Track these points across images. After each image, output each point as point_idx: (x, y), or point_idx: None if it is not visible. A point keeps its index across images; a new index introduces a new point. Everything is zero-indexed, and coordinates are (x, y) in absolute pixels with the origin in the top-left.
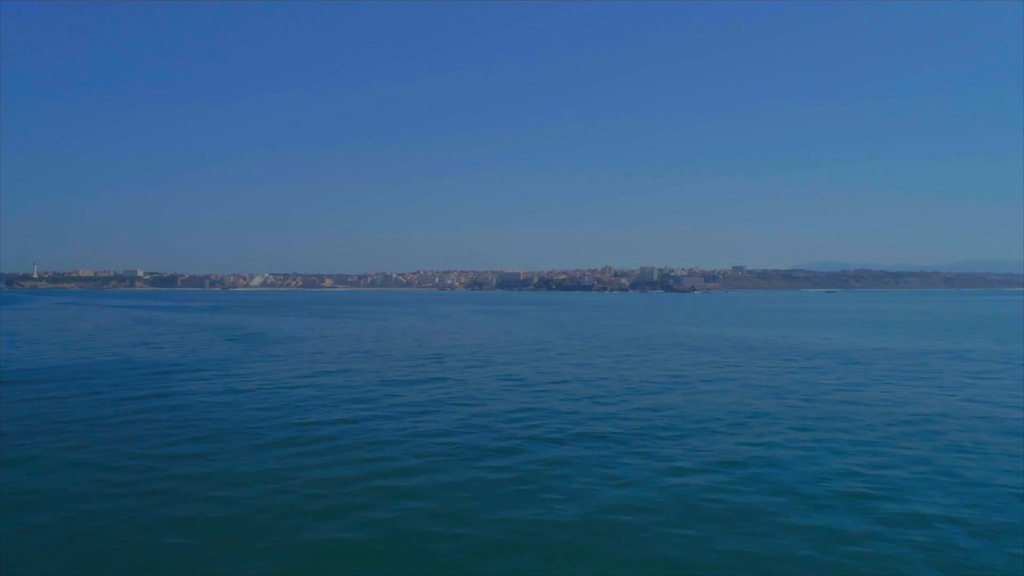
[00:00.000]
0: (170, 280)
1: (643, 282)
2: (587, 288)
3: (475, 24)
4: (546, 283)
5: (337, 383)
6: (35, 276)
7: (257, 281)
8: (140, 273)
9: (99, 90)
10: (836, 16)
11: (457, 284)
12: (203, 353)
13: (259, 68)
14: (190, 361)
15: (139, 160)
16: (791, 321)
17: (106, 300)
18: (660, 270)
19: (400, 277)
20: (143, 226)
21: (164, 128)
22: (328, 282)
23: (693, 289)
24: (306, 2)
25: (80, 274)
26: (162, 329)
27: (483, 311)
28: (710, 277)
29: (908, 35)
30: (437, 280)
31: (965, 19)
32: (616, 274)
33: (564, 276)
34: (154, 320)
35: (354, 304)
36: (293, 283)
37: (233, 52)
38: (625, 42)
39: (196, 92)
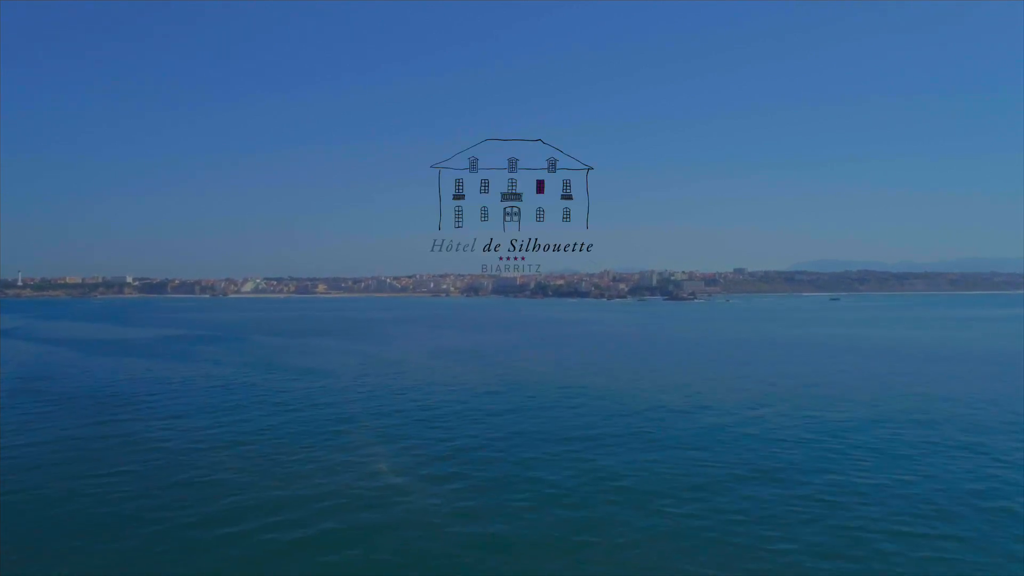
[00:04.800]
0: (160, 286)
1: (642, 287)
2: (584, 295)
3: (475, 24)
4: (543, 289)
5: None
6: (19, 284)
7: (249, 287)
8: (129, 279)
9: (92, 92)
10: (836, 16)
11: (453, 289)
12: None
13: (256, 70)
14: None
15: (132, 163)
16: (812, 380)
17: (68, 320)
18: (659, 274)
19: (395, 282)
20: (135, 230)
21: (157, 131)
22: (321, 287)
23: (693, 295)
24: (303, 2)
25: (67, 281)
26: (22, 403)
27: (446, 350)
28: (711, 280)
29: (908, 35)
30: (432, 285)
31: (966, 19)
32: (615, 278)
33: (561, 281)
34: (54, 370)
35: (325, 327)
36: (286, 289)
37: (229, 54)
38: (625, 42)
39: (191, 95)
